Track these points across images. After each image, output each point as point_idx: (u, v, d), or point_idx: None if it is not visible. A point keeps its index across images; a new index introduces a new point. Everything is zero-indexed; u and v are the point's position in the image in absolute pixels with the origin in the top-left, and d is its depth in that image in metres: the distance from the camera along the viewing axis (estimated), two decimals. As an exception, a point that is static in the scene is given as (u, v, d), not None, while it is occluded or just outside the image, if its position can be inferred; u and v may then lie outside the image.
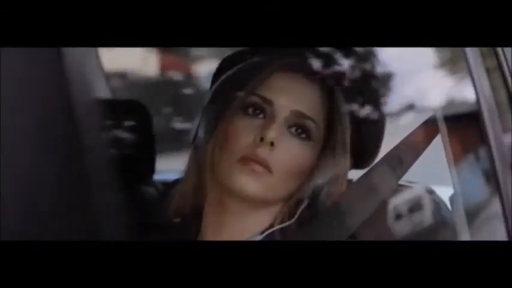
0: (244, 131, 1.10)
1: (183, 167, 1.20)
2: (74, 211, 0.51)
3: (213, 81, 1.21)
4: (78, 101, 0.51)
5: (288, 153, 1.10)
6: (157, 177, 1.71)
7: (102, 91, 2.28)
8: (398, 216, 1.30)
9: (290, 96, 1.13)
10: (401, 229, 1.30)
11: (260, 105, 1.12)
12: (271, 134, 1.08)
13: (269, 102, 1.12)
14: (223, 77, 1.19)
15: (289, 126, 1.12)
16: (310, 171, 1.13)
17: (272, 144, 1.08)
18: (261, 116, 1.12)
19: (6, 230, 0.48)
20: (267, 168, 1.08)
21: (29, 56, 0.50)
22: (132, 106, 1.71)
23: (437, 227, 1.29)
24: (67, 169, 0.51)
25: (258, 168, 1.08)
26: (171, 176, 1.38)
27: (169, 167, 1.78)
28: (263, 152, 1.08)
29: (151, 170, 1.69)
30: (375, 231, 1.18)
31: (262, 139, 1.08)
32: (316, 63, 1.18)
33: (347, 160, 1.14)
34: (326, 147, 1.14)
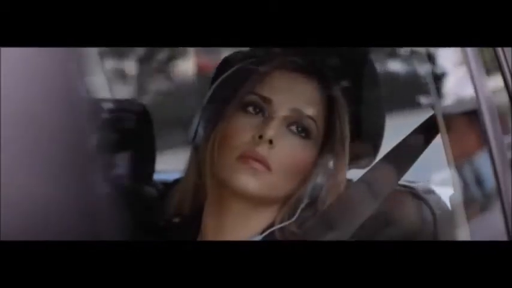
0: (243, 129, 1.10)
1: (183, 167, 1.20)
2: (74, 211, 0.51)
3: (213, 80, 1.21)
4: (78, 101, 0.51)
5: (287, 151, 1.10)
6: (157, 177, 1.70)
7: (102, 91, 2.28)
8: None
9: (289, 95, 1.13)
10: None
11: (259, 103, 1.12)
12: (270, 132, 1.08)
13: (268, 101, 1.12)
14: (223, 76, 1.19)
15: (289, 125, 1.12)
16: (310, 170, 1.13)
17: (271, 142, 1.08)
18: (260, 114, 1.12)
19: (6, 230, 0.48)
20: (267, 166, 1.08)
21: (29, 56, 0.50)
22: (132, 106, 1.71)
23: (437, 226, 1.29)
24: (67, 169, 0.51)
25: (258, 166, 1.08)
26: (171, 176, 1.38)
27: (169, 167, 1.78)
28: (262, 150, 1.08)
29: (151, 170, 1.69)
30: None
31: (261, 137, 1.08)
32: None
33: (346, 159, 1.14)
34: (325, 146, 1.14)
